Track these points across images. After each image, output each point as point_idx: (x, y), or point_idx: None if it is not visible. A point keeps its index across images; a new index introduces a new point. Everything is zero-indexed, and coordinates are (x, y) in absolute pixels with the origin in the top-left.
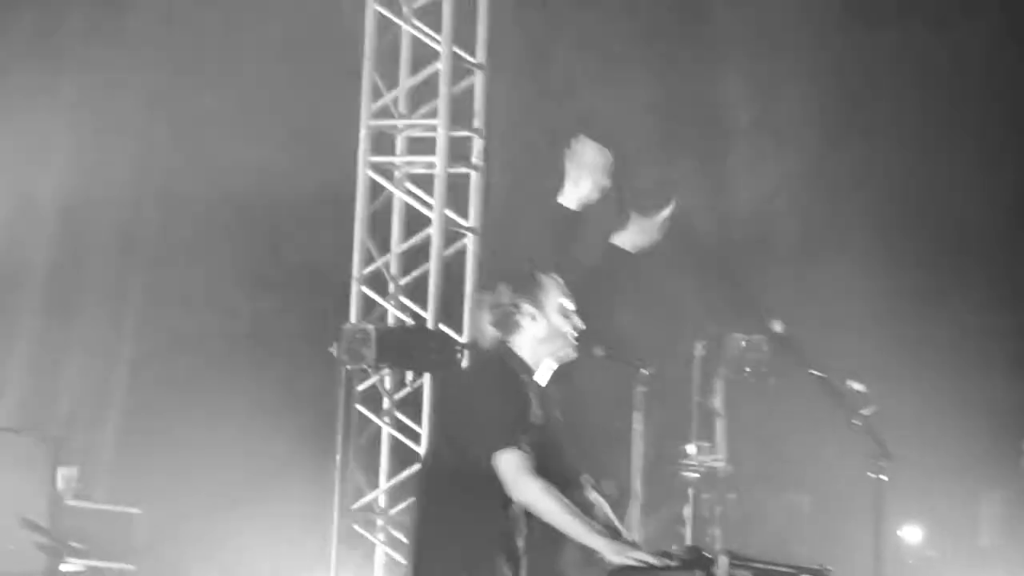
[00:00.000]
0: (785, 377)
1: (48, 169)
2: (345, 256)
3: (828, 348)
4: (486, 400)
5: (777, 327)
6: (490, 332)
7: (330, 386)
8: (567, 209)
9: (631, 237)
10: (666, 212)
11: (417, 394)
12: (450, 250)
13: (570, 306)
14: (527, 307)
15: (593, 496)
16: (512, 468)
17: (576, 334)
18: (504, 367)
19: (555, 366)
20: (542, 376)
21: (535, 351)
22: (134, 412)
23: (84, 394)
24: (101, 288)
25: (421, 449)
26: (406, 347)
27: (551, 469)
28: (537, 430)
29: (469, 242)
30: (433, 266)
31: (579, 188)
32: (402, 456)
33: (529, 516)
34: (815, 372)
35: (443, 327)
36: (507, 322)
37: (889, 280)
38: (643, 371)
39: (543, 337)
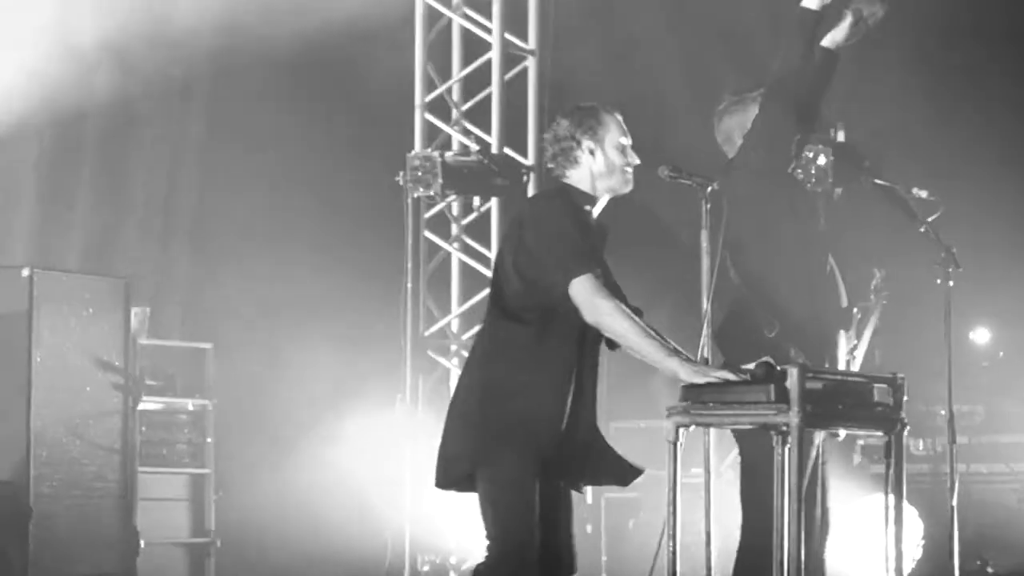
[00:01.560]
0: (850, 185)
1: (100, 14)
2: (407, 84)
3: (890, 155)
4: (558, 228)
5: (839, 135)
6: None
7: (399, 215)
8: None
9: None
10: None
11: (485, 219)
12: (511, 73)
13: (627, 141)
14: (586, 141)
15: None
16: (589, 290)
17: (632, 169)
18: (570, 200)
19: (607, 200)
20: (599, 208)
21: (593, 185)
22: (201, 249)
23: (151, 233)
24: (164, 128)
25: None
26: (472, 172)
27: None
28: (603, 261)
29: (530, 64)
30: (495, 90)
31: None
32: (472, 281)
33: (585, 364)
34: (879, 181)
35: (508, 151)
36: (566, 156)
37: (943, 79)
38: (710, 188)
39: (600, 172)
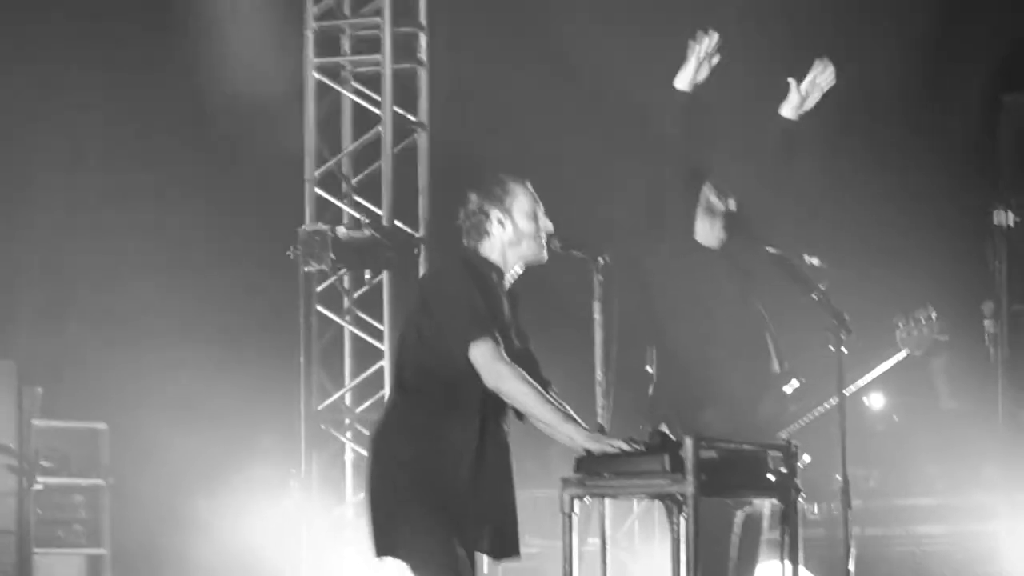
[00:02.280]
0: (736, 253)
1: None
2: (298, 158)
3: (781, 223)
4: (456, 292)
5: (730, 205)
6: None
7: (292, 289)
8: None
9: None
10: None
11: (376, 292)
12: (400, 146)
13: (539, 209)
14: (495, 212)
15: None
16: (488, 355)
17: (545, 235)
18: (471, 266)
19: (521, 270)
20: (509, 278)
21: (504, 255)
22: (94, 328)
23: (44, 314)
24: (52, 201)
25: (384, 346)
26: (362, 246)
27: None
28: (507, 328)
29: (420, 137)
30: (385, 163)
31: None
32: (365, 354)
33: (487, 431)
34: (772, 250)
35: (398, 224)
36: (477, 229)
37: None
38: (600, 260)
39: (511, 240)
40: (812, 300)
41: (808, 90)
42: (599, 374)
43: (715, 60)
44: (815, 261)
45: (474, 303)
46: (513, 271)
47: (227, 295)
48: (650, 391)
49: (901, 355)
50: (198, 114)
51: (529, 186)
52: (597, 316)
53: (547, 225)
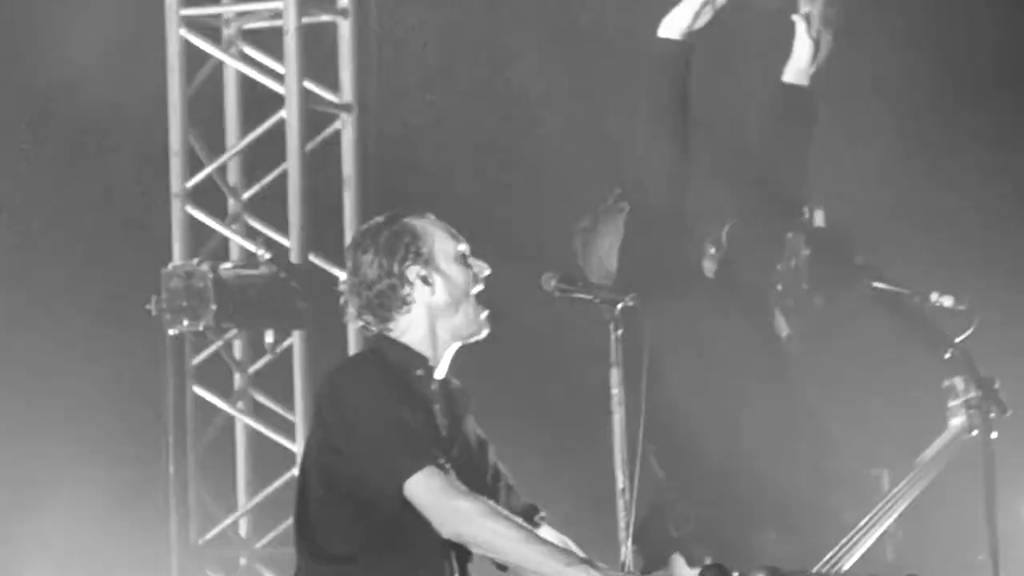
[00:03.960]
0: (835, 294)
1: None
2: (160, 161)
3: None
4: (373, 407)
5: (818, 218)
6: None
7: (154, 359)
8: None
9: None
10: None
11: (283, 363)
12: (316, 141)
13: (464, 247)
14: (411, 269)
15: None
16: (434, 490)
17: (483, 287)
18: (385, 361)
19: (454, 350)
20: (443, 367)
21: (432, 333)
22: None
23: None
24: None
25: (295, 445)
26: (260, 293)
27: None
28: (446, 443)
29: (344, 126)
30: (293, 166)
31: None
32: (267, 458)
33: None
34: (882, 285)
35: (315, 259)
36: (388, 303)
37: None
38: (619, 304)
39: (444, 305)
40: (945, 360)
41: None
42: (619, 479)
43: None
44: (947, 301)
45: (401, 417)
46: (446, 355)
47: (70, 368)
48: (661, 502)
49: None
50: (26, 106)
51: (443, 224)
52: (615, 391)
53: (484, 267)
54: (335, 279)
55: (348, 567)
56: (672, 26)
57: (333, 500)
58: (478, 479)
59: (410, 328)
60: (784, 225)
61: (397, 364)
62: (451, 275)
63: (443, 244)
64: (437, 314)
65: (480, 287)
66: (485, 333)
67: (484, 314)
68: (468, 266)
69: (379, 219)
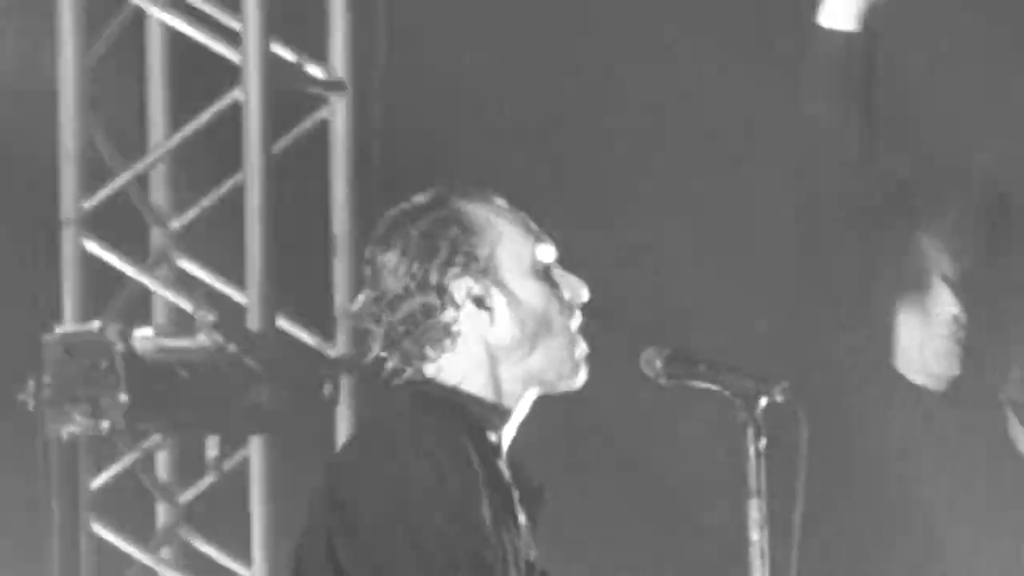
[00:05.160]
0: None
1: None
2: (46, 176)
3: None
4: (441, 512)
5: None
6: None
7: (30, 479)
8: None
9: None
10: None
11: (232, 487)
12: (289, 136)
13: (551, 253)
14: (463, 284)
15: None
16: None
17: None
18: (462, 434)
19: (532, 399)
20: (511, 429)
21: (493, 378)
22: None
23: None
24: None
25: None
26: (198, 380)
27: None
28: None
29: (334, 112)
30: (252, 175)
31: None
32: None
33: None
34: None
35: (284, 323)
36: (413, 332)
37: None
38: (763, 397)
39: (505, 346)
40: None
41: None
42: None
43: None
44: None
45: (480, 540)
46: (515, 415)
47: None
48: None
49: None
50: None
51: (510, 207)
52: (755, 536)
53: (577, 288)
54: (319, 355)
55: None
56: (837, 11)
57: None
58: None
59: (459, 374)
60: None
61: (475, 426)
62: (524, 297)
63: (514, 245)
64: (500, 356)
65: (576, 319)
66: (582, 381)
67: (580, 350)
68: (554, 284)
69: (419, 199)
